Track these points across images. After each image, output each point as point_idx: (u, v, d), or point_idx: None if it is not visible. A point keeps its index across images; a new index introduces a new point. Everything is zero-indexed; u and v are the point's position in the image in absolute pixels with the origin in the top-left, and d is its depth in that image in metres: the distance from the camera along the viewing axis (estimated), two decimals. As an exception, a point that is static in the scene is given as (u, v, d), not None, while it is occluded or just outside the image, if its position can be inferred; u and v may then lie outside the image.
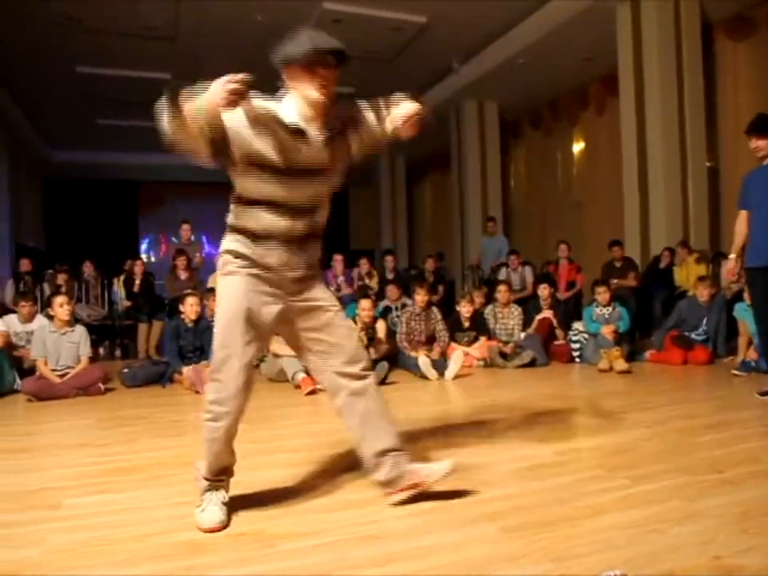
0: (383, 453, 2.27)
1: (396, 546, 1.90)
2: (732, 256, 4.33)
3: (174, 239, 13.03)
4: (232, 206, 2.37)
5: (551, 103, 11.76)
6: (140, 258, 9.87)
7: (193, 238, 9.12)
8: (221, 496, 2.16)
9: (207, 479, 2.19)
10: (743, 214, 4.39)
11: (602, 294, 6.25)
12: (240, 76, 1.93)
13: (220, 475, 2.20)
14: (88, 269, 8.86)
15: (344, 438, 3.22)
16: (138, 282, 8.13)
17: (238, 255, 2.22)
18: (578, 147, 11.47)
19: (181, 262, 7.79)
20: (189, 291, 6.07)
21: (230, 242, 2.31)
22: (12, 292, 7.85)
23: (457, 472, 2.27)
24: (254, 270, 2.19)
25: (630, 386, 5.01)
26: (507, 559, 1.78)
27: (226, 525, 2.08)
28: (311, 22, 8.52)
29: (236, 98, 1.94)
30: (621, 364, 5.56)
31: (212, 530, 2.04)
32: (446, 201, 13.88)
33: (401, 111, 2.31)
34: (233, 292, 2.17)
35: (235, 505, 2.24)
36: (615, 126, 8.88)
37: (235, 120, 2.07)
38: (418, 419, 3.63)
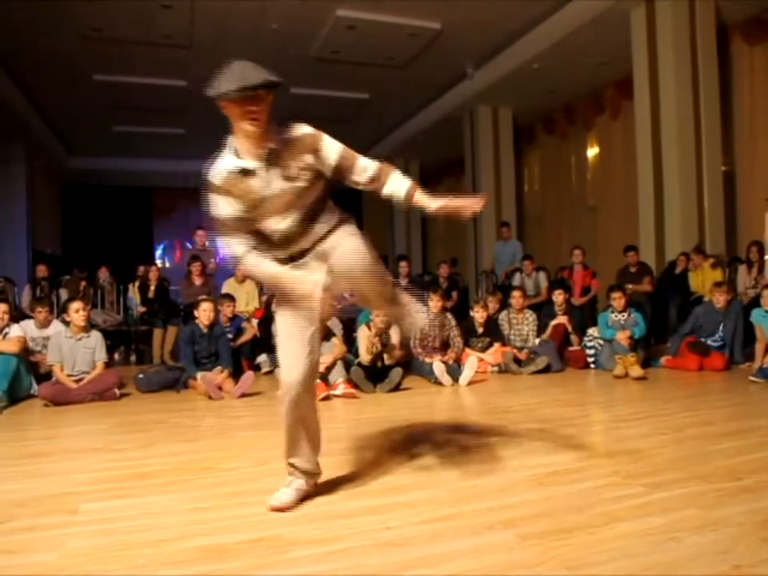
0: None
1: (412, 552, 1.89)
2: None
3: (188, 245, 13.11)
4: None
5: (566, 108, 11.72)
6: (155, 264, 9.95)
7: (207, 244, 9.16)
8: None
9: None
10: None
11: (617, 299, 6.22)
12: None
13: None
14: (104, 274, 8.93)
15: (358, 445, 3.24)
16: (152, 287, 8.18)
17: None
18: (592, 152, 11.42)
19: (195, 267, 7.83)
20: (203, 297, 6.10)
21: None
22: (29, 297, 7.93)
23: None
24: None
25: (645, 392, 4.97)
26: (524, 566, 1.78)
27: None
28: (325, 29, 8.58)
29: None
30: (636, 370, 5.52)
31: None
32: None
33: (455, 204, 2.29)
34: None
35: (253, 511, 2.25)
36: (630, 130, 8.84)
37: (222, 205, 2.25)
38: (432, 425, 3.62)
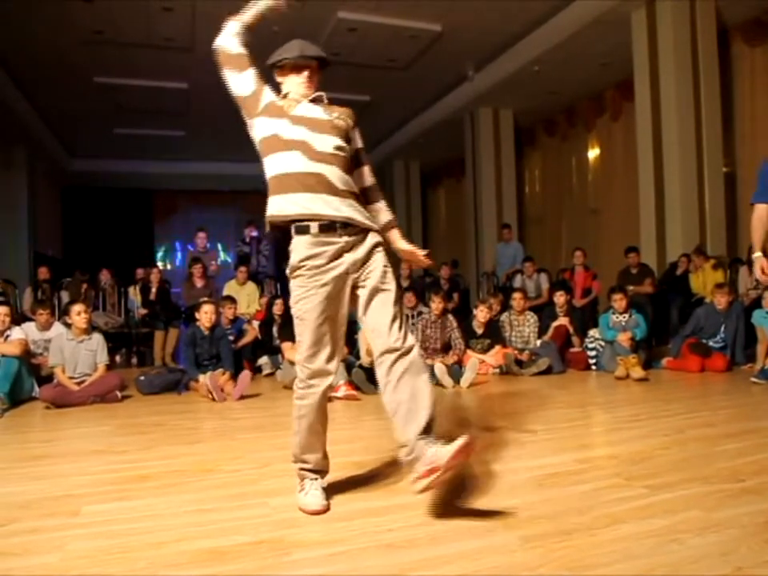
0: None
1: (413, 554, 1.89)
2: (757, 254, 3.60)
3: (189, 247, 13.12)
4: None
5: (566, 110, 11.73)
6: (156, 266, 9.96)
7: (208, 246, 9.17)
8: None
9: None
10: (761, 209, 3.75)
11: (619, 300, 6.21)
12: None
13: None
14: (105, 277, 8.94)
15: (360, 446, 3.23)
16: (154, 289, 8.19)
17: None
18: (593, 153, 11.42)
19: (197, 269, 7.84)
20: (205, 299, 6.10)
21: None
22: (30, 300, 7.93)
23: (471, 445, 2.12)
24: None
25: (647, 393, 4.96)
26: (525, 568, 1.77)
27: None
28: (326, 31, 8.58)
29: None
30: (638, 371, 5.52)
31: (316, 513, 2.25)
32: (460, 208, 13.88)
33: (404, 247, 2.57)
34: None
35: (254, 513, 2.25)
36: (631, 131, 8.85)
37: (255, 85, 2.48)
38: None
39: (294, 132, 2.33)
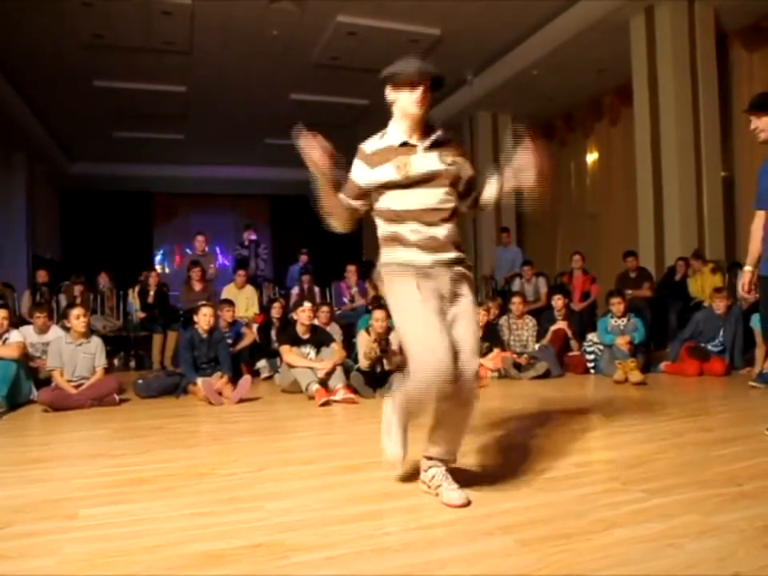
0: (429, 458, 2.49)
1: (410, 558, 1.89)
2: (747, 268, 3.56)
3: (188, 250, 13.14)
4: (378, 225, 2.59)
5: (565, 114, 11.75)
6: (154, 270, 9.95)
7: (207, 249, 9.18)
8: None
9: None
10: (760, 216, 3.66)
11: (617, 304, 6.22)
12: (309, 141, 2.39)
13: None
14: (103, 280, 8.93)
15: (358, 450, 3.23)
16: (152, 293, 8.18)
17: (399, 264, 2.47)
18: (591, 158, 11.44)
19: (195, 273, 7.84)
20: (203, 302, 6.10)
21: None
22: (29, 303, 7.92)
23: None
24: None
25: (645, 397, 4.96)
26: (522, 572, 1.77)
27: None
28: (326, 35, 8.60)
29: (320, 156, 2.39)
30: (636, 375, 5.51)
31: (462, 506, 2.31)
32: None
33: (521, 170, 2.56)
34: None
35: (251, 516, 2.25)
36: (630, 136, 8.86)
37: (359, 171, 2.50)
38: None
39: None
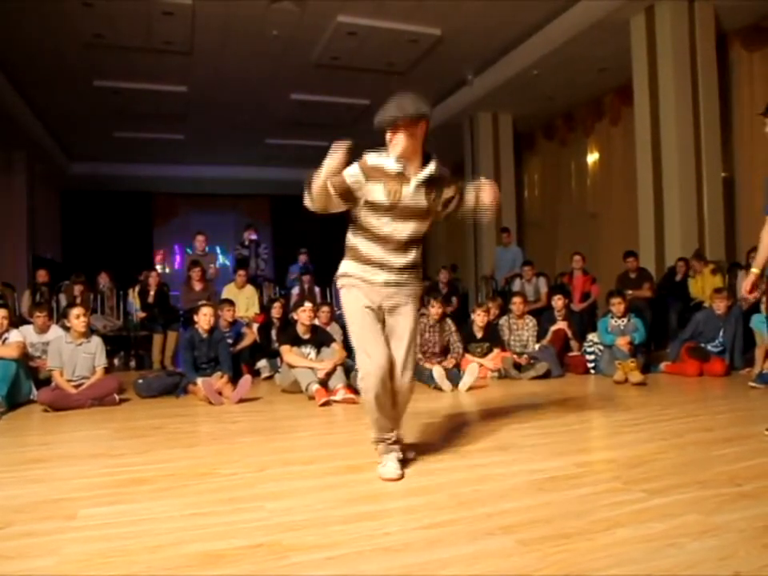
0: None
1: (410, 558, 1.88)
2: (754, 270, 3.53)
3: (188, 250, 13.14)
4: (349, 231, 2.93)
5: (566, 114, 11.75)
6: (155, 269, 9.95)
7: (207, 249, 9.17)
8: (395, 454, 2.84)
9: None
10: None
11: (617, 305, 6.21)
12: (342, 144, 2.67)
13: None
14: (104, 280, 8.93)
15: (358, 450, 3.23)
16: (152, 293, 8.18)
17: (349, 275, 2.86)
18: (592, 158, 11.45)
19: (195, 273, 7.83)
20: (203, 302, 6.10)
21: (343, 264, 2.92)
22: (29, 303, 7.92)
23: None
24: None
25: (645, 397, 4.96)
26: (523, 572, 1.77)
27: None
28: (326, 35, 8.60)
29: (345, 157, 2.67)
30: (636, 376, 5.51)
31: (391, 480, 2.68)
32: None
33: (484, 194, 2.90)
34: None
35: (251, 516, 2.25)
36: (630, 136, 8.86)
37: (355, 174, 2.71)
38: (432, 431, 3.61)
39: None
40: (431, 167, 2.74)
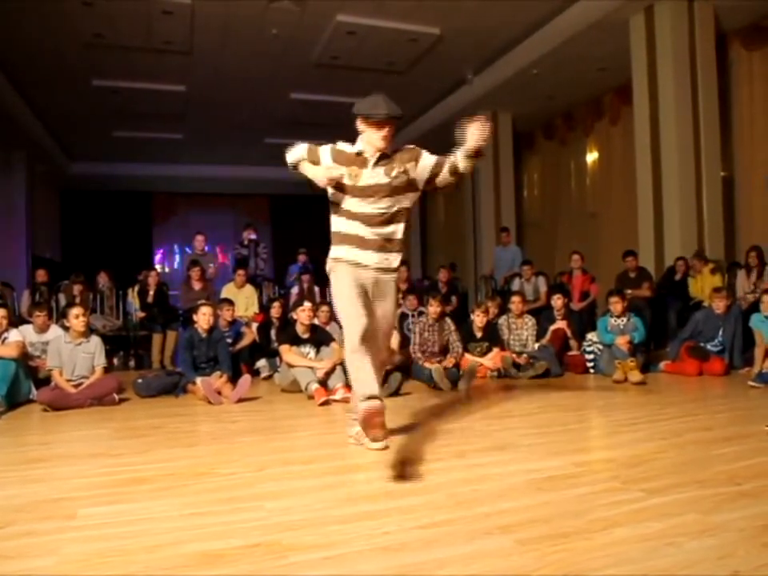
0: None
1: (408, 558, 1.88)
2: None
3: (188, 250, 13.13)
4: (331, 216, 3.28)
5: (565, 113, 11.75)
6: (154, 269, 9.94)
7: (207, 249, 9.17)
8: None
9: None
10: None
11: (615, 303, 6.21)
12: (336, 174, 3.09)
13: None
14: (103, 279, 8.93)
15: (357, 450, 3.23)
16: (151, 292, 8.18)
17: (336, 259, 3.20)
18: (591, 157, 11.45)
19: (195, 272, 7.84)
20: (203, 302, 6.10)
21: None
22: (28, 302, 7.92)
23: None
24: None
25: (644, 397, 4.96)
26: (521, 572, 1.76)
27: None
28: (325, 34, 8.60)
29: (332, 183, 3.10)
30: (635, 375, 5.51)
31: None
32: (459, 211, 13.88)
33: (468, 137, 3.10)
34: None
35: (250, 516, 2.25)
36: (629, 135, 8.86)
37: (325, 153, 3.14)
38: (431, 430, 3.61)
39: None
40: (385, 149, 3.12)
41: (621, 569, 1.76)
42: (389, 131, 3.06)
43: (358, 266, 3.15)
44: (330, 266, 3.25)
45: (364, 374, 3.07)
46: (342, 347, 5.75)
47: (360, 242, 3.14)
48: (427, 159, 3.21)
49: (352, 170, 3.07)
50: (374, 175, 3.08)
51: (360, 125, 3.07)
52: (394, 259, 3.25)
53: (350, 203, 3.13)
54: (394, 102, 3.10)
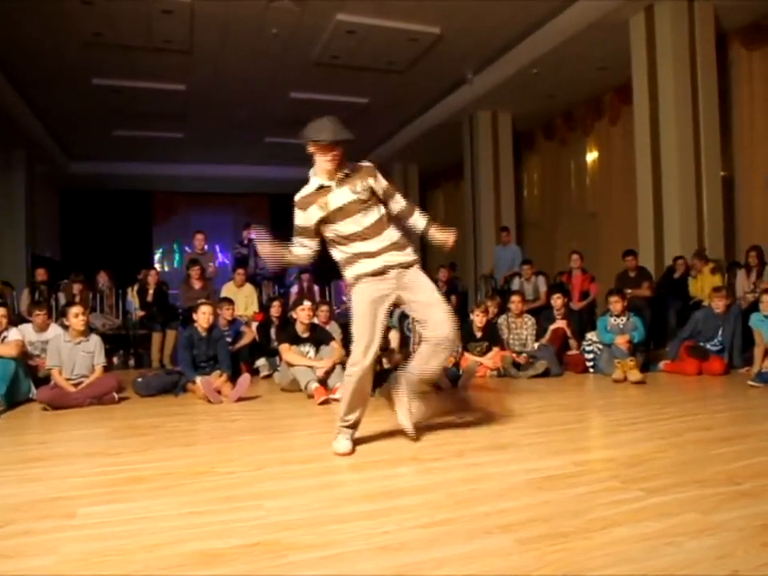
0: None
1: (408, 557, 1.88)
2: None
3: (187, 249, 13.13)
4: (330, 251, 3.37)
5: (565, 113, 11.74)
6: (154, 268, 9.94)
7: (206, 248, 9.17)
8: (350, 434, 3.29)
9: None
10: None
11: (614, 303, 6.21)
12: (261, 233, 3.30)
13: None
14: (103, 278, 8.93)
15: (357, 449, 3.23)
16: (151, 291, 8.17)
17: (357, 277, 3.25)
18: (591, 157, 11.44)
19: (194, 271, 7.83)
20: (202, 301, 6.09)
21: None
22: (27, 301, 7.92)
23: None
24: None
25: (644, 396, 4.96)
26: (521, 571, 1.77)
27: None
28: (325, 34, 8.59)
29: (273, 258, 3.28)
30: (635, 374, 5.51)
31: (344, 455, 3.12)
32: (458, 211, 13.87)
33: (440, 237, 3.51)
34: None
35: (248, 515, 2.25)
36: (629, 135, 8.85)
37: (298, 217, 3.25)
38: (430, 429, 3.61)
39: None
40: (345, 170, 3.20)
41: (620, 568, 1.76)
42: (335, 154, 3.12)
43: (375, 276, 3.21)
44: (349, 284, 3.31)
45: (352, 399, 3.24)
46: (341, 346, 5.81)
47: (369, 254, 3.21)
48: (382, 180, 3.35)
49: (320, 202, 3.17)
50: (340, 196, 3.17)
51: (311, 148, 3.15)
52: (408, 254, 3.30)
53: (339, 227, 3.20)
54: (342, 125, 3.13)
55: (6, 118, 10.47)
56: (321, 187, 3.18)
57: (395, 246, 3.26)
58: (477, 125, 11.74)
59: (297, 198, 3.24)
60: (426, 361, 3.28)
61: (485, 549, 1.93)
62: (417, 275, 3.30)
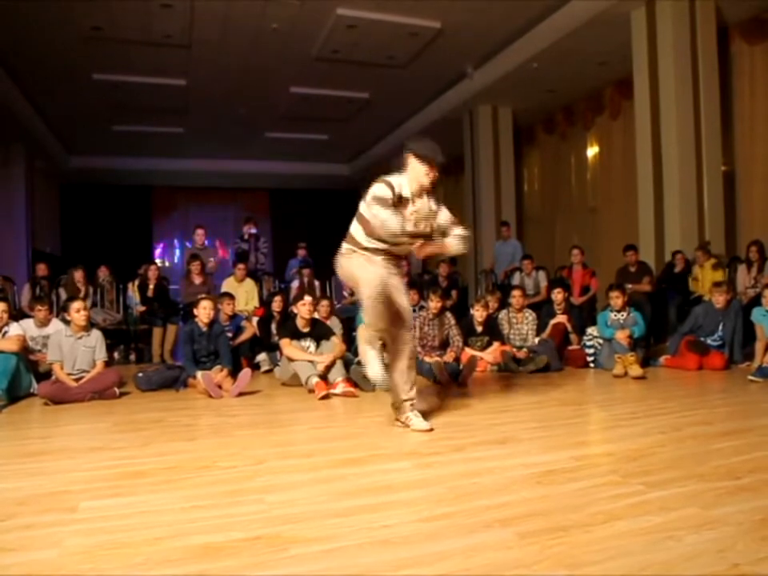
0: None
1: (408, 551, 1.89)
2: None
3: (188, 244, 13.13)
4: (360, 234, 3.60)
5: (565, 108, 11.72)
6: (154, 263, 9.94)
7: (207, 243, 9.17)
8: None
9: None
10: None
11: (615, 298, 6.21)
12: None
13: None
14: (103, 273, 8.92)
15: (357, 443, 3.24)
16: (152, 286, 8.18)
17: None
18: (592, 152, 11.42)
19: (195, 266, 7.84)
20: (203, 296, 6.10)
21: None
22: (28, 296, 7.92)
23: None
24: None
25: (644, 391, 4.97)
26: (521, 565, 1.77)
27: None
28: (326, 28, 8.57)
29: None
30: (635, 369, 5.52)
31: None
32: (459, 205, 13.85)
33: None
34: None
35: (250, 509, 2.25)
36: (630, 130, 8.84)
37: (384, 191, 3.45)
38: (431, 424, 3.62)
39: None
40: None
41: (620, 562, 1.77)
42: (436, 175, 3.50)
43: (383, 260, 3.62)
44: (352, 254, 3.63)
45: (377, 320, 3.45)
46: (342, 341, 5.82)
47: (386, 255, 3.63)
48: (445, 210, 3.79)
49: (402, 212, 3.46)
50: (412, 215, 3.53)
51: (412, 160, 3.47)
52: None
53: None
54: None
55: (5, 113, 10.45)
56: (400, 197, 3.45)
57: (396, 264, 3.70)
58: (477, 119, 11.72)
59: (394, 185, 3.44)
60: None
61: (485, 542, 1.93)
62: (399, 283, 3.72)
